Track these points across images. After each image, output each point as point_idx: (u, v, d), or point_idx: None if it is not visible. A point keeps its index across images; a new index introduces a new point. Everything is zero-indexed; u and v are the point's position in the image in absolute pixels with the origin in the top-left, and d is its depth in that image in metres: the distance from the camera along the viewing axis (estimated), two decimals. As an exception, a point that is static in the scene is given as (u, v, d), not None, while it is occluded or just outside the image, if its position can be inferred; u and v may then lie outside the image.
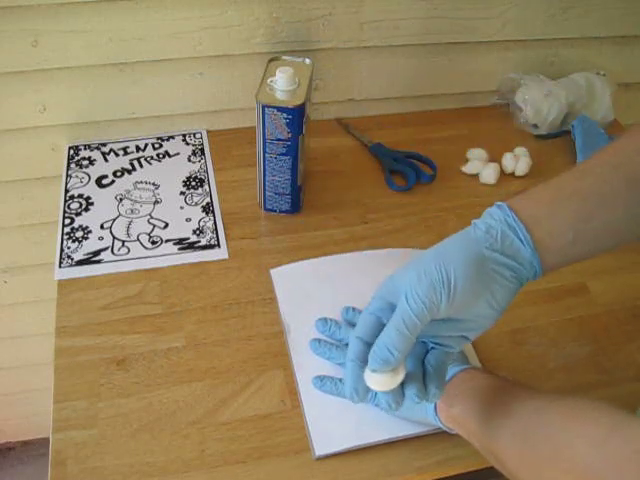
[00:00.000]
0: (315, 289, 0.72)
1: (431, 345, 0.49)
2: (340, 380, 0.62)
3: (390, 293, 0.47)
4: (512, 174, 0.90)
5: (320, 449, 0.59)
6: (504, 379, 0.54)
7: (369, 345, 0.46)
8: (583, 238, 0.47)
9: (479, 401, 0.52)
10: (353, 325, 0.67)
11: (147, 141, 0.93)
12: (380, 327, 0.46)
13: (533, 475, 0.45)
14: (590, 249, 0.49)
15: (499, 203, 0.48)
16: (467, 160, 0.91)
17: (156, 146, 0.92)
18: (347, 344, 0.64)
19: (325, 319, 0.67)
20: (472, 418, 0.52)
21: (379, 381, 0.45)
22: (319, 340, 0.66)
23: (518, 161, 0.90)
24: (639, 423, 0.39)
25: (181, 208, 0.83)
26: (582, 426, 0.43)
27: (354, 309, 0.68)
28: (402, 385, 0.47)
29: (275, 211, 0.82)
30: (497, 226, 0.47)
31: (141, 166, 0.89)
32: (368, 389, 0.47)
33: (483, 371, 0.58)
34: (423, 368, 0.49)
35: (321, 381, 0.63)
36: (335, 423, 0.60)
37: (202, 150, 0.92)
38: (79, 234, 0.78)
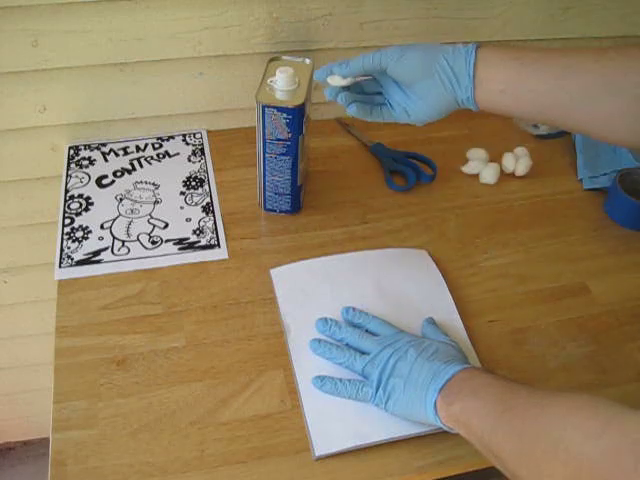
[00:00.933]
0: (315, 289, 0.72)
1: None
2: (340, 380, 0.62)
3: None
4: (512, 174, 0.90)
5: (320, 449, 0.59)
6: (504, 378, 0.55)
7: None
8: (510, 94, 0.59)
9: (479, 399, 0.52)
10: (353, 325, 0.67)
11: (147, 141, 0.93)
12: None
13: (532, 470, 0.46)
14: (515, 107, 0.60)
15: (478, 43, 0.61)
16: (467, 160, 0.91)
17: (156, 146, 0.92)
18: (347, 344, 0.64)
19: (325, 319, 0.67)
20: (472, 416, 0.52)
21: (333, 78, 0.65)
22: (319, 340, 0.66)
23: (518, 161, 0.90)
24: (636, 416, 0.40)
25: (181, 208, 0.83)
26: (579, 420, 0.43)
27: (354, 309, 0.68)
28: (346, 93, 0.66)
29: (275, 211, 0.82)
30: (462, 50, 0.60)
31: (141, 166, 0.89)
32: (326, 83, 0.66)
33: (483, 370, 0.58)
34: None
35: (321, 381, 0.63)
36: (335, 423, 0.61)
37: (202, 150, 0.92)
38: (79, 234, 0.78)
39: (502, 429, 0.49)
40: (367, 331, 0.66)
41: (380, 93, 0.68)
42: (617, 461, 0.39)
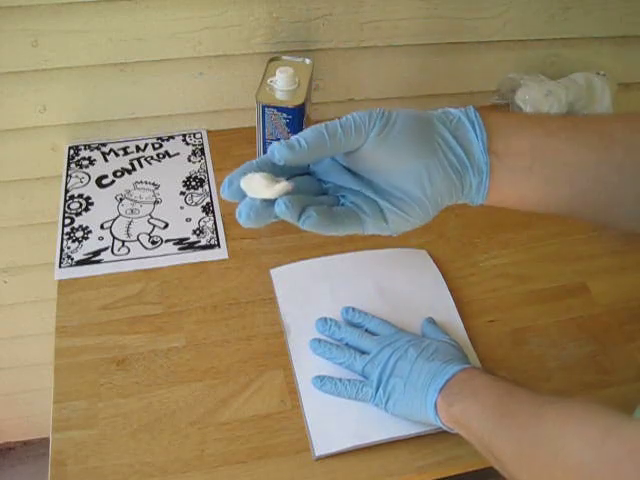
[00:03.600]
0: (315, 289, 0.72)
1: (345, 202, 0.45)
2: (340, 380, 0.62)
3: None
4: (512, 174, 0.90)
5: (320, 449, 0.59)
6: (504, 380, 0.55)
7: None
8: (540, 172, 0.43)
9: (479, 401, 0.52)
10: (353, 325, 0.67)
11: (147, 141, 0.93)
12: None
13: (532, 476, 0.46)
14: (543, 192, 0.44)
15: (473, 105, 0.44)
16: (467, 160, 0.91)
17: (156, 146, 0.92)
18: (347, 344, 0.64)
19: (325, 319, 0.67)
20: (472, 418, 0.52)
21: (254, 184, 0.39)
22: (319, 340, 0.66)
23: (518, 161, 0.89)
24: (634, 424, 0.40)
25: (181, 208, 0.83)
26: (578, 428, 0.43)
27: (353, 309, 0.68)
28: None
29: (275, 211, 0.82)
30: (456, 113, 0.43)
31: (141, 166, 0.89)
32: (240, 191, 0.41)
33: (483, 371, 0.58)
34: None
35: (321, 381, 0.63)
36: (335, 423, 0.60)
37: (202, 150, 0.92)
38: (79, 234, 0.78)
39: (502, 433, 0.49)
40: (367, 331, 0.66)
41: (324, 193, 0.46)
42: (617, 470, 0.39)
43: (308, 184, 0.45)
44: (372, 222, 0.44)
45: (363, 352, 0.64)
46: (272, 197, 0.40)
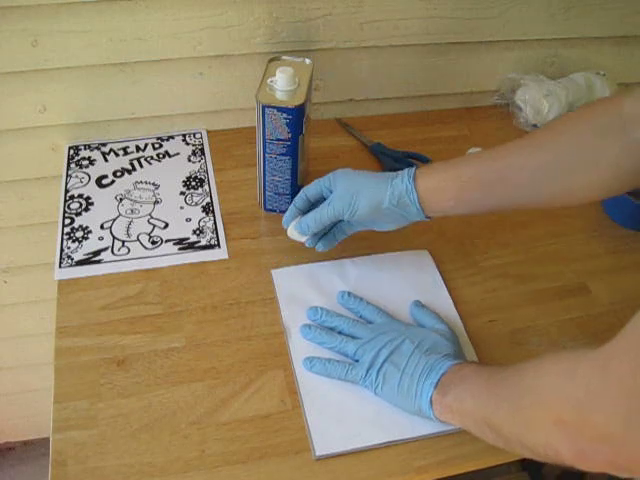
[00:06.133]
0: (316, 290, 0.72)
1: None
2: (329, 360, 0.63)
3: (329, 188, 0.69)
4: (512, 174, 0.90)
5: (320, 449, 0.59)
6: (489, 364, 0.58)
7: (306, 205, 0.71)
8: (461, 207, 0.65)
9: (469, 384, 0.55)
10: (348, 310, 0.69)
11: (147, 141, 0.93)
12: (311, 204, 0.71)
13: (524, 428, 0.48)
14: (467, 213, 0.67)
15: (410, 171, 0.66)
16: (467, 160, 0.91)
17: (156, 146, 0.92)
18: (340, 332, 0.66)
19: (315, 308, 0.68)
20: (465, 400, 0.54)
21: (293, 233, 0.71)
22: (309, 325, 0.67)
23: (518, 161, 0.89)
24: (599, 349, 0.43)
25: (181, 208, 0.83)
26: (553, 367, 0.46)
27: (349, 294, 0.70)
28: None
29: (275, 211, 0.82)
30: (400, 189, 0.65)
31: (141, 166, 0.89)
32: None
33: (473, 362, 0.61)
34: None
35: (310, 362, 0.64)
36: (335, 424, 0.61)
37: (202, 150, 0.92)
38: (79, 234, 0.78)
39: (492, 401, 0.52)
40: (361, 317, 0.68)
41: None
42: (590, 390, 0.42)
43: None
44: (360, 229, 0.72)
45: (355, 338, 0.65)
46: (302, 241, 0.72)
